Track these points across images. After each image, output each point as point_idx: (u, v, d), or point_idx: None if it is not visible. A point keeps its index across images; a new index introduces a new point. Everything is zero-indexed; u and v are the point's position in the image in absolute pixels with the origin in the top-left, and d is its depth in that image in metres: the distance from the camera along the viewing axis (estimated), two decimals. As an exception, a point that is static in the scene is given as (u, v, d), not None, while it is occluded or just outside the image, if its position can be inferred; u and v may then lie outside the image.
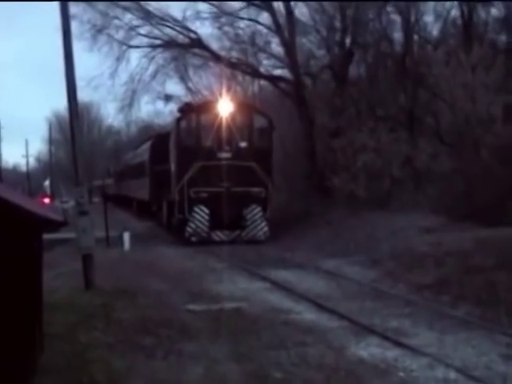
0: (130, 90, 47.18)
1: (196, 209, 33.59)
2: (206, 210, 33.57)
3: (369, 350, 13.79)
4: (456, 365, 12.33)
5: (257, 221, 34.17)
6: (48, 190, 62.70)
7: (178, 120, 36.88)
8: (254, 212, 34.18)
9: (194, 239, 33.44)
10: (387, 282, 22.40)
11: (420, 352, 13.28)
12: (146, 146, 50.64)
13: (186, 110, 37.49)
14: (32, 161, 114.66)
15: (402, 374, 12.08)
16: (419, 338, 14.59)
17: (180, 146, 35.70)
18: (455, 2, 44.49)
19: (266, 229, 34.36)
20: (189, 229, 33.61)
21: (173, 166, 36.44)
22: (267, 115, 37.89)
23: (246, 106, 38.02)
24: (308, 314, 17.61)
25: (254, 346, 13.92)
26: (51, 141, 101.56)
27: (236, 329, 15.41)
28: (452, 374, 11.88)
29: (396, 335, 14.77)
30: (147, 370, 12.00)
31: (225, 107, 34.58)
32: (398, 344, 14.03)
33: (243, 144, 35.47)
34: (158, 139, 45.66)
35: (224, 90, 37.35)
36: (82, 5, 40.21)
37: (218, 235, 33.71)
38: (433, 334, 15.00)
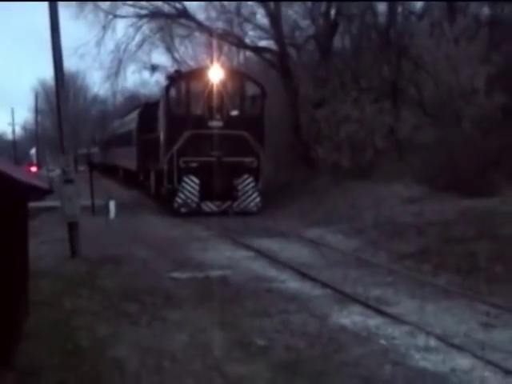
0: (116, 59, 46.90)
1: (186, 179, 32.41)
2: (196, 180, 32.41)
3: (351, 318, 13.85)
4: (436, 333, 12.44)
5: (248, 191, 33.15)
6: (34, 159, 62.47)
7: (167, 87, 35.43)
8: (246, 182, 33.12)
9: (183, 210, 32.42)
10: (369, 251, 22.45)
11: (401, 320, 13.39)
12: (134, 114, 49.86)
13: (175, 77, 36.06)
14: (18, 129, 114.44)
15: (383, 341, 12.15)
16: (401, 307, 14.68)
17: (169, 115, 34.21)
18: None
19: (257, 200, 33.44)
20: (178, 199, 32.54)
21: (162, 135, 35.16)
22: (259, 83, 37.00)
23: (238, 73, 37.04)
24: (291, 283, 17.65)
25: (237, 313, 13.96)
26: (37, 110, 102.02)
27: (220, 297, 15.39)
28: (432, 342, 11.98)
29: (378, 304, 14.85)
30: (132, 336, 12.03)
31: (215, 74, 33.34)
32: (380, 312, 14.12)
33: (235, 112, 34.47)
34: (145, 108, 45.00)
35: (212, 59, 36.21)
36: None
37: (209, 206, 32.71)
38: (414, 303, 15.08)
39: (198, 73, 35.11)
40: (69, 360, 10.33)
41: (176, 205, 32.39)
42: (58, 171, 30.38)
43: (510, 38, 36.88)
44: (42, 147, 79.90)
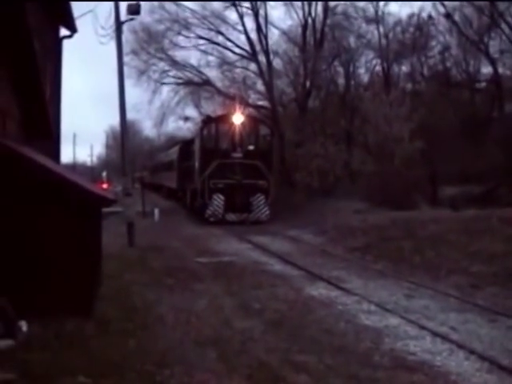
0: (161, 113, 47.52)
1: (214, 196, 30.43)
2: (222, 197, 30.39)
3: (318, 290, 13.79)
4: (375, 301, 12.41)
5: (260, 206, 30.91)
6: (105, 179, 62.49)
7: (201, 128, 33.77)
8: (259, 199, 30.87)
9: (212, 219, 30.30)
10: (331, 245, 22.39)
11: (352, 292, 13.36)
12: (175, 149, 48.43)
13: (207, 121, 34.50)
14: (95, 159, 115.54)
15: (340, 306, 12.13)
16: (352, 284, 14.61)
17: (203, 148, 32.15)
18: (378, 61, 44.83)
19: (267, 212, 31.06)
20: (208, 211, 30.44)
21: (197, 163, 32.67)
22: (269, 125, 36.21)
23: (253, 118, 35.33)
24: (278, 266, 17.58)
25: (241, 286, 13.90)
26: (107, 146, 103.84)
27: (229, 274, 15.39)
28: (372, 307, 11.97)
29: (336, 281, 14.78)
30: (169, 300, 11.98)
31: (237, 118, 31.73)
32: (338, 287, 14.07)
33: (251, 147, 32.48)
34: (183, 144, 43.66)
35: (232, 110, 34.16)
36: (130, 55, 40.21)
37: (231, 217, 30.61)
38: (361, 281, 15.03)
39: (224, 117, 33.45)
40: (128, 314, 10.31)
41: (206, 215, 30.54)
42: (120, 187, 30.31)
43: (424, 105, 37.10)
44: (110, 171, 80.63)
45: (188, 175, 36.97)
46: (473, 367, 8.33)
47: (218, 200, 30.43)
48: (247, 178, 30.65)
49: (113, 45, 21.90)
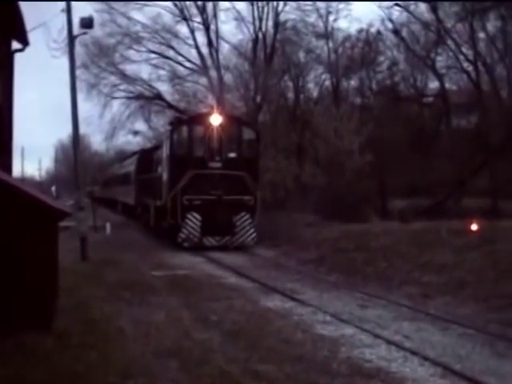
0: (112, 127, 47.22)
1: (189, 215, 24.97)
2: (198, 217, 24.98)
3: (274, 302, 14.05)
4: (330, 312, 12.72)
5: (246, 227, 25.54)
6: (54, 194, 61.66)
7: (171, 131, 27.58)
8: (244, 219, 25.53)
9: (186, 244, 25.09)
10: (284, 258, 22.72)
11: (307, 304, 13.66)
12: (133, 159, 45.00)
13: (177, 122, 28.75)
14: (43, 173, 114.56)
15: (296, 317, 12.40)
16: (306, 295, 14.92)
17: (173, 156, 26.71)
18: (328, 76, 45.59)
19: (254, 235, 25.66)
20: (182, 234, 25.05)
21: (165, 175, 27.69)
22: (255, 128, 30.34)
23: (235, 119, 28.92)
24: (232, 278, 17.76)
25: (197, 298, 14.01)
26: (57, 160, 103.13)
27: (185, 287, 15.48)
28: (328, 318, 12.28)
29: (291, 293, 15.07)
30: (128, 313, 12.08)
31: (215, 119, 26.21)
32: (293, 299, 14.35)
33: (232, 154, 27.06)
34: (143, 152, 40.07)
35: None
36: (80, 68, 39.95)
37: (210, 241, 25.20)
38: (315, 293, 15.36)
39: (199, 118, 28.05)
40: (88, 327, 10.39)
41: (179, 239, 25.18)
42: (70, 201, 29.72)
43: (373, 119, 37.87)
44: (60, 186, 79.92)
45: (151, 189, 32.16)
46: (427, 373, 8.72)
47: (194, 220, 25.17)
48: (229, 192, 25.52)
49: (63, 58, 21.90)
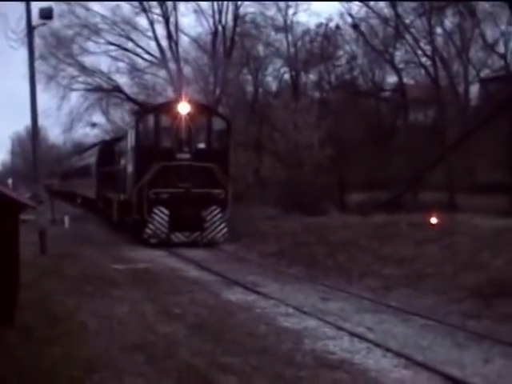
0: (70, 119, 46.51)
1: (156, 210, 23.59)
2: (166, 212, 23.65)
3: (235, 295, 14.13)
4: (292, 304, 12.82)
5: (216, 222, 24.25)
6: (11, 186, 60.71)
7: (137, 121, 26.27)
8: (214, 213, 24.26)
9: (153, 241, 23.78)
10: (244, 251, 22.77)
11: (269, 296, 13.75)
12: (93, 150, 43.89)
13: (143, 111, 27.93)
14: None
15: (258, 310, 12.47)
16: (268, 288, 15.00)
17: (138, 147, 25.22)
18: (287, 69, 45.73)
19: (224, 230, 24.51)
20: (148, 230, 23.68)
21: (130, 167, 26.29)
22: (226, 118, 28.77)
23: (205, 108, 27.53)
24: (194, 272, 17.78)
25: (159, 292, 14.01)
26: (13, 152, 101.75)
27: (147, 281, 15.47)
28: (290, 310, 12.39)
29: (253, 286, 15.17)
30: (90, 307, 11.97)
31: (183, 108, 24.58)
32: (255, 291, 14.44)
33: (202, 145, 25.67)
34: (105, 144, 39.05)
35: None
36: (38, 60, 39.34)
37: (178, 236, 23.90)
38: (277, 285, 15.46)
39: (166, 106, 26.49)
40: (50, 322, 10.29)
41: (146, 235, 23.83)
42: (28, 194, 29.10)
43: (332, 113, 38.12)
44: (16, 178, 78.81)
45: (114, 182, 30.76)
46: (390, 364, 8.85)
47: (161, 215, 23.80)
48: (198, 185, 24.21)
49: (20, 49, 21.52)
